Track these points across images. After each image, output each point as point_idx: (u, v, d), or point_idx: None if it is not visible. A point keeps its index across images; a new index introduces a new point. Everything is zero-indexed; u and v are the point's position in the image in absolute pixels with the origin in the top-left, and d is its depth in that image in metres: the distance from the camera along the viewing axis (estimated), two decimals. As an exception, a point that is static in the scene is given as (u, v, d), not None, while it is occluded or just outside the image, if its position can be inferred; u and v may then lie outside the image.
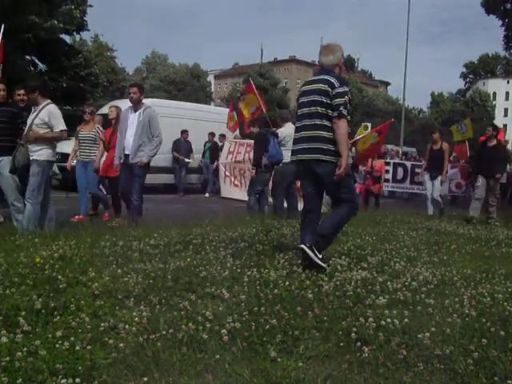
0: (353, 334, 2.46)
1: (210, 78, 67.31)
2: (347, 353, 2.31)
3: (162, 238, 4.66)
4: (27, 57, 23.21)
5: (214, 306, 2.86)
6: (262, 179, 7.78)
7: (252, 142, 10.65)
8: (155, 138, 6.18)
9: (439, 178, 9.46)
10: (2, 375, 1.93)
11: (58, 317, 2.58)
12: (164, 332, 2.40)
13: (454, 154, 14.04)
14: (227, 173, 12.25)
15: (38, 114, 5.33)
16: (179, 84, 53.87)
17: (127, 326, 2.46)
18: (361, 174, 11.42)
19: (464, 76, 78.87)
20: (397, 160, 15.37)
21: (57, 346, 2.19)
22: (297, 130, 4.09)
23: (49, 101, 5.45)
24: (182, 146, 13.09)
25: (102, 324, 2.47)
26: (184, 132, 13.06)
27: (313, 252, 3.78)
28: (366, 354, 2.28)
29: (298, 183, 10.09)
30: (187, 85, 53.86)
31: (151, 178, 12.81)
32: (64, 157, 8.59)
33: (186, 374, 2.08)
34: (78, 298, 2.86)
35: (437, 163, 9.42)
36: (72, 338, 2.27)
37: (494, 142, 8.89)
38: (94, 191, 7.49)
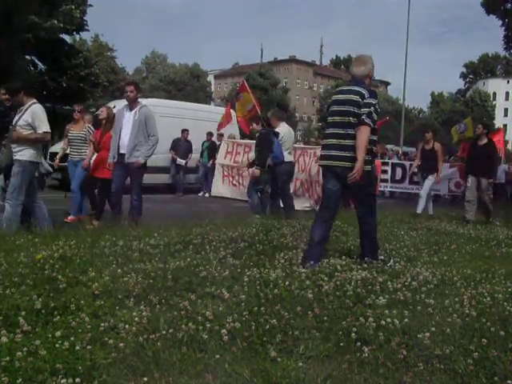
0: (353, 334, 2.46)
1: (210, 78, 67.34)
2: (347, 353, 2.31)
3: (162, 238, 4.66)
4: (27, 57, 23.23)
5: (214, 305, 2.86)
6: (264, 178, 7.77)
7: (250, 142, 10.66)
8: (151, 138, 6.11)
9: (431, 178, 9.24)
10: (2, 375, 1.93)
11: (58, 317, 2.58)
12: (164, 332, 2.41)
13: (456, 155, 14.00)
14: (225, 172, 12.22)
15: (22, 115, 5.25)
16: (179, 84, 53.90)
17: (127, 326, 2.46)
18: None
19: (464, 76, 78.90)
20: (395, 160, 15.36)
21: (57, 345, 2.19)
22: (327, 136, 4.27)
23: (34, 100, 5.35)
24: (180, 145, 13.04)
25: (102, 324, 2.48)
26: (184, 131, 13.02)
27: (376, 260, 4.18)
28: (366, 354, 2.28)
29: (294, 183, 10.22)
30: (187, 85, 53.89)
31: (151, 178, 12.87)
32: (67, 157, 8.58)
33: (186, 374, 2.08)
34: (77, 298, 2.86)
35: (428, 163, 9.24)
36: (72, 338, 2.27)
37: (485, 141, 8.60)
38: (74, 189, 7.21)
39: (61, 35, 23.19)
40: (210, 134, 13.33)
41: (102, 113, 7.10)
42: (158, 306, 2.84)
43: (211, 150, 13.14)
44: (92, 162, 7.07)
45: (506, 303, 3.08)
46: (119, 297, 2.96)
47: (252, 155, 9.33)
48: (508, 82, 75.34)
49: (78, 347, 2.18)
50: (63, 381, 1.91)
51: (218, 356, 2.21)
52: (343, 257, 4.29)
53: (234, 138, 13.04)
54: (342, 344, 2.40)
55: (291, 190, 10.21)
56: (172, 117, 13.33)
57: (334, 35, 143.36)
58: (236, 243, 4.66)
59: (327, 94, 60.72)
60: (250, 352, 2.30)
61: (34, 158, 5.37)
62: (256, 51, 75.34)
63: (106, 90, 30.51)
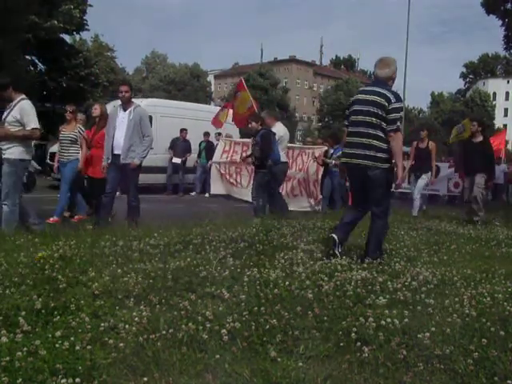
0: (353, 334, 2.46)
1: (210, 78, 67.35)
2: (347, 353, 2.31)
3: (162, 238, 4.66)
4: (27, 57, 23.23)
5: (214, 305, 2.86)
6: (266, 179, 7.73)
7: (247, 140, 10.63)
8: (146, 138, 6.07)
9: (424, 177, 9.01)
10: (2, 375, 1.93)
11: (58, 317, 2.58)
12: (164, 332, 2.40)
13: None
14: (222, 171, 12.19)
15: (10, 111, 5.12)
16: (179, 84, 53.92)
17: (127, 326, 2.46)
18: None
19: (464, 76, 78.92)
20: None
21: (57, 345, 2.19)
22: (350, 134, 4.42)
23: (23, 96, 5.22)
24: (178, 144, 13.01)
25: (102, 324, 2.47)
26: (183, 130, 12.99)
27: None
28: (366, 354, 2.28)
29: (291, 183, 10.20)
30: (187, 85, 53.90)
31: (152, 178, 12.89)
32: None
33: (186, 374, 2.08)
34: (77, 298, 2.86)
35: (422, 162, 9.02)
36: (72, 338, 2.27)
37: (480, 139, 8.24)
38: (63, 189, 7.06)
39: (61, 35, 23.19)
40: (207, 134, 13.29)
41: (96, 110, 7.03)
42: (157, 306, 2.84)
43: (208, 150, 13.10)
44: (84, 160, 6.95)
45: (505, 303, 3.08)
46: (119, 297, 2.96)
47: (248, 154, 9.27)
48: (508, 81, 75.35)
49: (78, 347, 2.18)
50: (63, 381, 1.90)
51: (218, 356, 2.21)
52: (343, 257, 4.29)
53: (231, 137, 13.02)
54: (342, 344, 2.40)
55: (288, 190, 10.24)
56: (172, 117, 13.34)
57: (334, 35, 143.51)
58: (236, 243, 4.66)
59: (327, 93, 60.76)
60: (250, 352, 2.30)
61: (24, 155, 5.23)
62: (256, 51, 75.49)
63: (105, 89, 30.48)
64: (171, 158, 12.97)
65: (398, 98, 4.25)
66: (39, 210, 7.04)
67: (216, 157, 12.32)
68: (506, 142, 18.01)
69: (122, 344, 2.25)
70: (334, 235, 4.36)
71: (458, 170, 9.12)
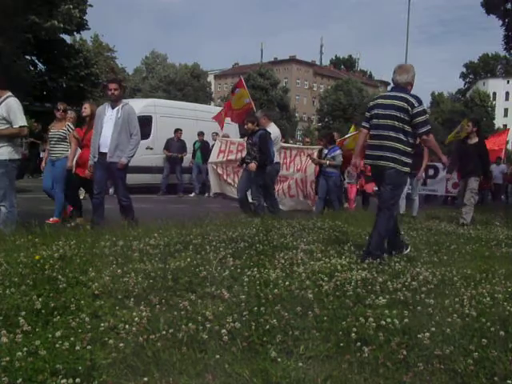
0: (353, 334, 2.46)
1: (210, 78, 67.32)
2: (347, 353, 2.31)
3: (162, 238, 4.66)
4: (27, 57, 23.22)
5: (214, 305, 2.86)
6: (263, 178, 7.74)
7: (243, 140, 10.60)
8: (134, 137, 5.92)
9: (418, 177, 8.78)
10: (2, 375, 1.93)
11: (58, 317, 2.58)
12: (164, 332, 2.40)
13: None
14: (219, 171, 12.13)
15: None
16: (179, 84, 53.85)
17: (127, 326, 2.46)
18: (351, 173, 11.11)
19: (464, 76, 78.93)
20: None
21: (57, 345, 2.19)
22: (372, 137, 4.58)
23: (9, 93, 5.10)
24: (173, 144, 12.97)
25: (102, 324, 2.47)
26: (178, 131, 12.91)
27: (375, 259, 4.28)
28: (366, 354, 2.28)
29: (288, 183, 10.19)
30: (187, 85, 53.83)
31: (153, 178, 12.88)
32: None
33: (185, 374, 2.08)
34: (78, 298, 2.86)
35: (416, 161, 8.87)
36: (72, 338, 2.27)
37: (475, 140, 8.00)
38: (56, 189, 6.83)
39: (61, 35, 23.18)
40: (201, 134, 13.25)
41: (86, 109, 6.81)
42: (157, 306, 2.83)
43: (203, 149, 13.06)
44: (75, 160, 6.78)
45: (506, 303, 3.08)
46: (119, 297, 2.96)
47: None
48: (508, 82, 75.37)
49: (77, 347, 2.18)
50: (63, 381, 1.90)
51: (217, 356, 2.21)
52: (343, 257, 4.30)
53: (228, 137, 12.98)
54: (341, 344, 2.40)
55: (285, 190, 10.23)
56: (172, 117, 13.33)
57: (334, 35, 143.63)
58: (236, 243, 4.66)
59: (327, 93, 60.71)
60: (250, 352, 2.30)
61: (14, 154, 5.14)
62: (256, 51, 75.58)
63: (106, 89, 30.48)
64: (167, 158, 12.89)
65: (420, 102, 4.40)
66: (38, 210, 7.07)
67: (212, 157, 12.14)
68: (507, 142, 17.94)
69: (121, 344, 2.25)
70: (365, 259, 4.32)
71: (449, 171, 8.88)
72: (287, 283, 3.31)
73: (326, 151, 9.28)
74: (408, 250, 4.82)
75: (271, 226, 5.87)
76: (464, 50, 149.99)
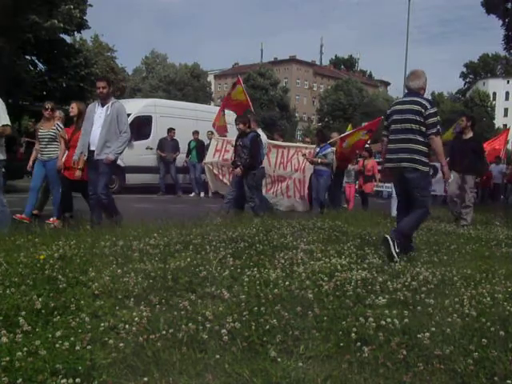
0: (353, 334, 2.46)
1: (210, 78, 67.32)
2: (347, 353, 2.31)
3: (162, 238, 4.66)
4: (27, 57, 23.21)
5: (214, 305, 2.86)
6: (253, 179, 7.71)
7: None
8: (123, 134, 5.84)
9: None
10: (2, 375, 1.93)
11: (58, 317, 2.58)
12: (164, 332, 2.40)
13: None
14: (215, 171, 12.09)
15: None
16: (179, 84, 53.86)
17: (127, 326, 2.46)
18: (350, 173, 11.05)
19: (464, 76, 78.93)
20: None
21: (57, 345, 2.19)
22: (392, 141, 4.87)
23: None
24: (167, 144, 12.91)
25: (102, 324, 2.47)
26: (171, 130, 12.86)
27: (393, 244, 4.43)
28: (366, 354, 2.28)
29: (286, 183, 10.17)
30: (187, 85, 53.85)
31: (152, 179, 12.89)
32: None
33: (185, 374, 2.08)
34: (78, 298, 2.86)
35: None
36: (72, 338, 2.27)
37: (470, 135, 7.88)
38: (53, 191, 6.82)
39: (61, 35, 23.17)
40: (196, 133, 13.21)
41: (73, 109, 6.66)
42: (157, 306, 2.83)
43: (199, 148, 13.03)
44: (63, 161, 6.64)
45: (506, 303, 3.08)
46: (119, 297, 2.96)
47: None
48: (508, 82, 75.34)
49: (77, 347, 2.18)
50: (63, 381, 1.90)
51: (218, 356, 2.21)
52: (343, 257, 4.30)
53: (225, 136, 12.94)
54: (342, 344, 2.40)
55: (283, 190, 10.22)
56: (172, 117, 13.33)
57: (334, 35, 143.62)
58: (236, 243, 4.66)
59: (327, 93, 60.75)
60: (250, 352, 2.30)
61: (0, 155, 5.06)
62: (256, 51, 75.64)
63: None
64: (162, 158, 12.83)
65: (432, 104, 4.75)
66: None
67: (208, 157, 12.02)
68: (507, 142, 17.92)
69: (121, 344, 2.25)
70: (387, 235, 4.53)
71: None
72: (287, 283, 3.31)
73: (317, 149, 9.21)
74: (413, 252, 4.86)
75: (271, 225, 5.87)
76: (464, 50, 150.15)
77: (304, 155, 9.62)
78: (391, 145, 4.87)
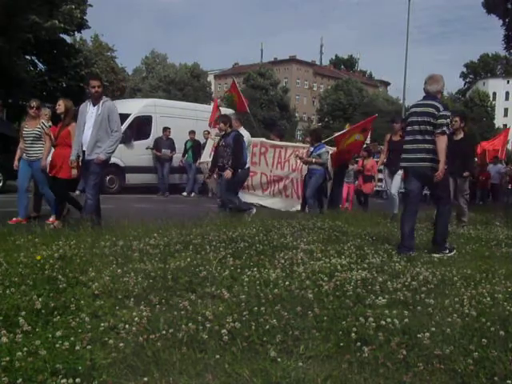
0: (353, 334, 2.46)
1: (210, 78, 67.30)
2: (347, 353, 2.31)
3: (162, 238, 4.66)
4: (27, 57, 23.21)
5: (214, 305, 2.86)
6: (234, 181, 7.66)
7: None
8: (114, 133, 5.80)
9: (400, 173, 7.95)
10: (2, 375, 1.93)
11: (58, 317, 2.58)
12: (164, 332, 2.40)
13: None
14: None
15: None
16: (179, 84, 53.86)
17: (127, 326, 2.46)
18: (349, 172, 11.00)
19: (464, 76, 78.90)
20: None
21: (57, 345, 2.19)
22: (408, 142, 5.18)
23: None
24: (162, 143, 12.85)
25: (102, 324, 2.47)
26: (166, 129, 12.79)
27: (441, 254, 4.92)
28: (366, 354, 2.28)
29: (284, 182, 10.17)
30: (187, 85, 53.85)
31: (152, 179, 12.88)
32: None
33: (185, 374, 2.08)
34: (78, 298, 2.86)
35: (397, 156, 8.32)
36: (72, 338, 2.27)
37: (461, 136, 7.68)
38: (43, 191, 6.67)
39: (61, 35, 23.17)
40: (192, 133, 13.18)
41: (59, 106, 6.47)
42: (157, 305, 2.83)
43: (195, 148, 12.99)
44: (48, 161, 6.49)
45: (506, 303, 3.08)
46: (119, 297, 2.96)
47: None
48: (508, 82, 75.31)
49: (77, 347, 2.18)
50: (63, 381, 1.90)
51: (218, 356, 2.21)
52: (343, 257, 4.30)
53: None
54: (342, 344, 2.40)
55: (281, 189, 10.21)
56: (172, 117, 13.32)
57: (333, 35, 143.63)
58: (236, 243, 4.66)
59: (327, 93, 60.74)
60: (250, 352, 2.30)
61: None
62: (256, 51, 75.65)
63: (106, 89, 30.45)
64: (157, 158, 12.76)
65: (446, 108, 5.08)
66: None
67: (205, 156, 11.88)
68: (507, 142, 17.88)
69: (121, 344, 2.25)
70: (434, 255, 4.81)
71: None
72: (287, 283, 3.31)
73: (311, 149, 9.16)
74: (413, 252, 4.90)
75: (271, 225, 5.87)
76: (464, 50, 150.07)
77: (297, 156, 9.54)
78: (408, 145, 5.15)
